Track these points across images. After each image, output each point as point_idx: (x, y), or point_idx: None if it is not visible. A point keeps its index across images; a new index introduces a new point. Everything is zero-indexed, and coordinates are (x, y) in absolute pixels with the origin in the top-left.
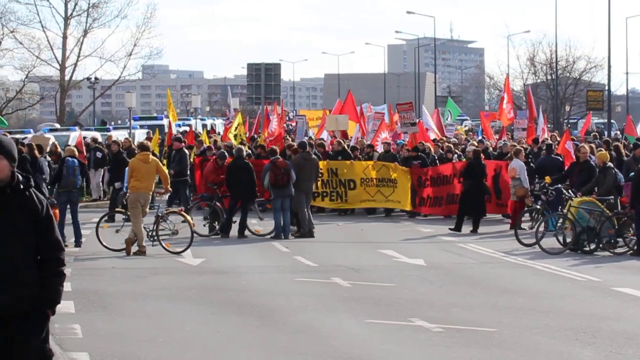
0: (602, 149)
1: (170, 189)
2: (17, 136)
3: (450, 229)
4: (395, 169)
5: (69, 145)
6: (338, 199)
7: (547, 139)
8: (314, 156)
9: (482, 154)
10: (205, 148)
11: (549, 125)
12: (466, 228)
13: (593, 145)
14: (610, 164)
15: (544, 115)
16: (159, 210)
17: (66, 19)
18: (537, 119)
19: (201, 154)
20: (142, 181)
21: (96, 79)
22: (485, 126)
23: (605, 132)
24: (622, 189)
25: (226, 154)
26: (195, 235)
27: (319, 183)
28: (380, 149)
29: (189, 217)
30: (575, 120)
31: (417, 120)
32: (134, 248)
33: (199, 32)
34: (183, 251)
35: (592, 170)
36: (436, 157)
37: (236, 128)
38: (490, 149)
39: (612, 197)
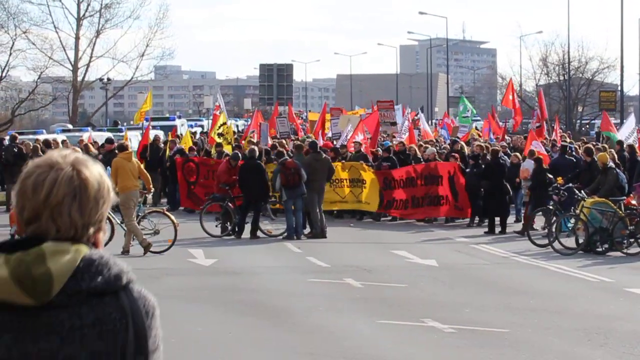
0: (599, 149)
1: (152, 188)
2: (30, 137)
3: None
4: (364, 170)
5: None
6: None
7: (555, 140)
8: (325, 156)
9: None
10: (179, 149)
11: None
12: (480, 229)
13: (591, 145)
14: (611, 164)
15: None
16: (140, 209)
17: (79, 19)
18: (547, 120)
19: (180, 154)
20: (130, 179)
21: (108, 79)
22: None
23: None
24: (625, 189)
25: (239, 155)
26: (208, 235)
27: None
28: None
29: (172, 217)
30: (587, 121)
31: (416, 119)
32: (136, 246)
33: (211, 32)
34: (164, 251)
35: (597, 171)
36: (422, 159)
37: (220, 127)
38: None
39: (624, 197)
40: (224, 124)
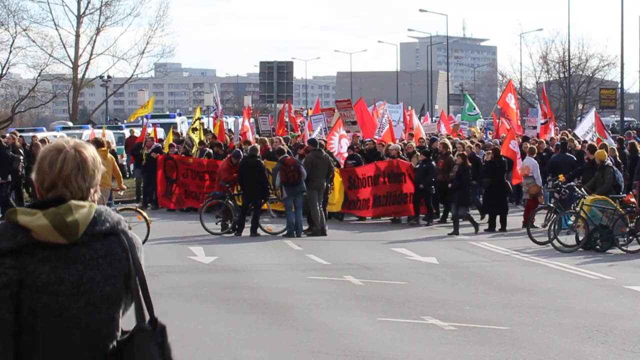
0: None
1: (124, 187)
2: (30, 134)
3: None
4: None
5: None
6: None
7: (554, 138)
8: (325, 154)
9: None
10: (156, 146)
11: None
12: (480, 226)
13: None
14: (609, 162)
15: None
16: (112, 207)
17: (79, 17)
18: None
19: (157, 152)
20: (104, 177)
21: (109, 77)
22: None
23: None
24: (621, 188)
25: (241, 152)
26: (208, 233)
27: None
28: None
29: (145, 214)
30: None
31: (395, 119)
32: None
33: (212, 30)
34: None
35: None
36: (405, 158)
37: (195, 121)
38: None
39: (625, 195)
40: (199, 119)
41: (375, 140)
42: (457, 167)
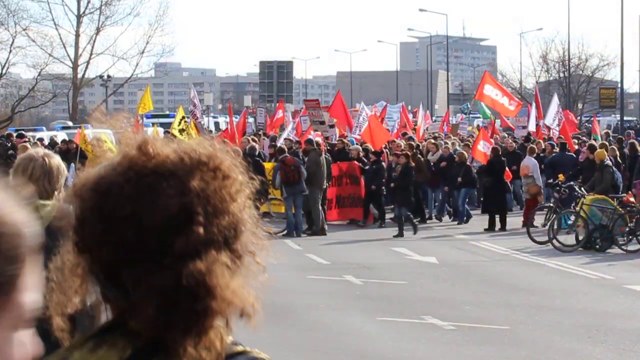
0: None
1: None
2: (30, 134)
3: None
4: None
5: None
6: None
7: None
8: (324, 154)
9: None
10: None
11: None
12: (480, 226)
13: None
14: (608, 162)
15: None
16: None
17: (79, 16)
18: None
19: None
20: None
21: (109, 76)
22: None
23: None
24: (619, 188)
25: (241, 151)
26: None
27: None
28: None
29: None
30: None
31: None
32: None
33: (212, 30)
34: None
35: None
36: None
37: (180, 122)
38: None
39: (624, 195)
40: (183, 117)
41: (354, 139)
42: (400, 166)
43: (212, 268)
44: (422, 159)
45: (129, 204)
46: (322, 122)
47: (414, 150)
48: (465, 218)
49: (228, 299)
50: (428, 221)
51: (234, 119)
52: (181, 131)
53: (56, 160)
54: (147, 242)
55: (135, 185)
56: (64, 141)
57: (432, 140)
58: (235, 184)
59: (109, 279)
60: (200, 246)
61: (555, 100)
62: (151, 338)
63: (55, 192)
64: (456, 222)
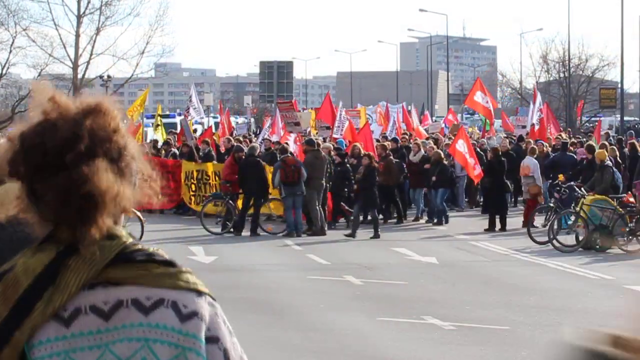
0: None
1: None
2: None
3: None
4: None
5: None
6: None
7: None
8: (324, 154)
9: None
10: None
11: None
12: (480, 226)
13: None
14: (608, 162)
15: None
16: None
17: (79, 17)
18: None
19: None
20: None
21: (109, 77)
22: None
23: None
24: (619, 189)
25: (244, 148)
26: (208, 233)
27: (205, 187)
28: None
29: (138, 213)
30: (588, 119)
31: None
32: None
33: (212, 30)
34: None
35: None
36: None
37: (156, 119)
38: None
39: (624, 195)
40: (160, 116)
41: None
42: (363, 167)
43: (96, 172)
44: (394, 160)
45: (38, 137)
46: (297, 124)
47: (387, 152)
48: (444, 218)
49: (110, 195)
50: (414, 223)
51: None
52: (156, 127)
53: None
54: (48, 160)
55: (44, 123)
56: None
57: (417, 141)
58: (115, 120)
59: (30, 194)
60: (85, 158)
61: (538, 100)
62: (69, 244)
63: None
64: (433, 222)
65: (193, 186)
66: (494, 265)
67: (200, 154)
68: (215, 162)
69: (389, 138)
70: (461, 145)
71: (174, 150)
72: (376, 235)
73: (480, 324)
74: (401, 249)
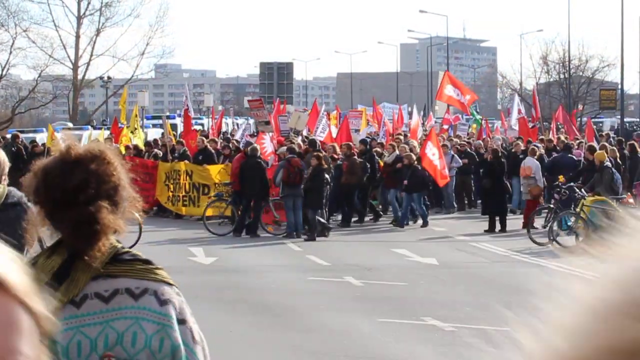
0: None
1: None
2: (30, 135)
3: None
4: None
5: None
6: (190, 204)
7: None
8: (325, 155)
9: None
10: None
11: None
12: (480, 227)
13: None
14: (608, 163)
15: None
16: None
17: (79, 18)
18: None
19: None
20: None
21: (109, 78)
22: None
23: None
24: (618, 190)
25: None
26: (209, 234)
27: (174, 186)
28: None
29: (137, 215)
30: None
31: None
32: None
33: (212, 31)
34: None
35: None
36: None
37: (134, 123)
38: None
39: (624, 196)
40: (136, 116)
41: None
42: (312, 168)
43: (99, 210)
44: (358, 160)
45: (58, 178)
46: (267, 122)
47: (352, 151)
48: (416, 220)
49: (108, 225)
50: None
51: (215, 120)
52: (133, 130)
53: (2, 155)
54: (65, 197)
55: (62, 168)
56: (32, 142)
57: (394, 141)
58: (114, 165)
59: (50, 218)
60: (92, 198)
61: (516, 101)
62: (76, 250)
63: (3, 178)
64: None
65: (171, 186)
66: (494, 266)
67: (176, 154)
68: (187, 162)
69: (378, 140)
70: (430, 149)
71: (156, 151)
72: (311, 238)
73: (481, 325)
74: (401, 250)
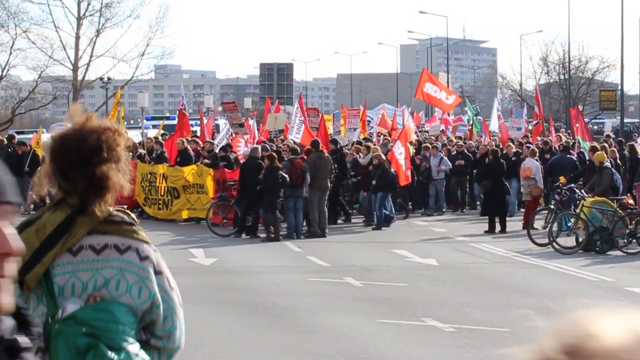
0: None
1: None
2: (29, 136)
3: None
4: (209, 173)
5: None
6: (164, 208)
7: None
8: (327, 155)
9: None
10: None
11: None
12: (480, 228)
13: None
14: (607, 164)
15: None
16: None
17: (79, 18)
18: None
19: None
20: None
21: (109, 79)
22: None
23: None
24: (618, 190)
25: (268, 147)
26: (212, 234)
27: (149, 189)
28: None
29: (133, 215)
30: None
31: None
32: None
33: (212, 31)
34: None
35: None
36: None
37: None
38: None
39: (624, 197)
40: (123, 118)
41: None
42: (265, 168)
43: (109, 170)
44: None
45: (75, 143)
46: (242, 125)
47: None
48: (385, 222)
49: (115, 183)
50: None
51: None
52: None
53: None
54: (81, 158)
55: (79, 134)
56: (19, 142)
57: (368, 143)
58: (119, 137)
59: (62, 176)
60: (104, 160)
61: (495, 105)
62: (77, 206)
63: None
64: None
65: (147, 188)
66: (494, 267)
67: (154, 155)
68: (166, 164)
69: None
70: (398, 148)
71: (141, 151)
72: (274, 238)
73: (481, 326)
74: (401, 251)
